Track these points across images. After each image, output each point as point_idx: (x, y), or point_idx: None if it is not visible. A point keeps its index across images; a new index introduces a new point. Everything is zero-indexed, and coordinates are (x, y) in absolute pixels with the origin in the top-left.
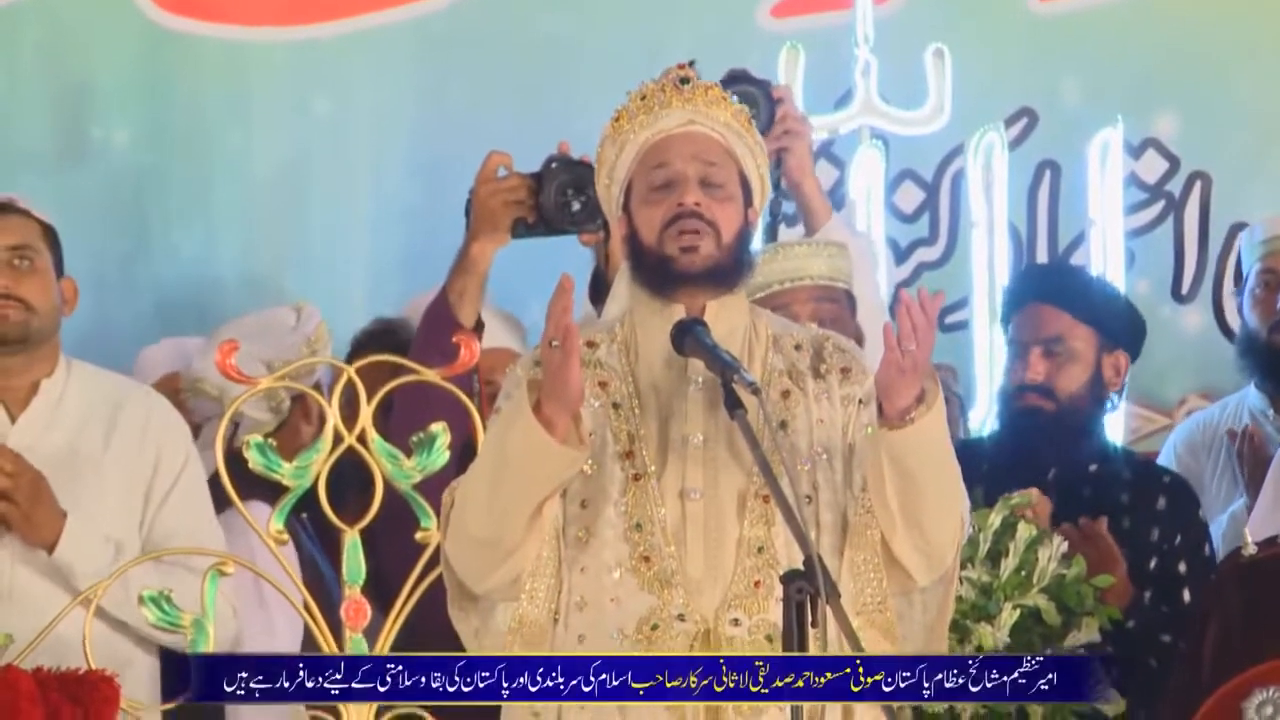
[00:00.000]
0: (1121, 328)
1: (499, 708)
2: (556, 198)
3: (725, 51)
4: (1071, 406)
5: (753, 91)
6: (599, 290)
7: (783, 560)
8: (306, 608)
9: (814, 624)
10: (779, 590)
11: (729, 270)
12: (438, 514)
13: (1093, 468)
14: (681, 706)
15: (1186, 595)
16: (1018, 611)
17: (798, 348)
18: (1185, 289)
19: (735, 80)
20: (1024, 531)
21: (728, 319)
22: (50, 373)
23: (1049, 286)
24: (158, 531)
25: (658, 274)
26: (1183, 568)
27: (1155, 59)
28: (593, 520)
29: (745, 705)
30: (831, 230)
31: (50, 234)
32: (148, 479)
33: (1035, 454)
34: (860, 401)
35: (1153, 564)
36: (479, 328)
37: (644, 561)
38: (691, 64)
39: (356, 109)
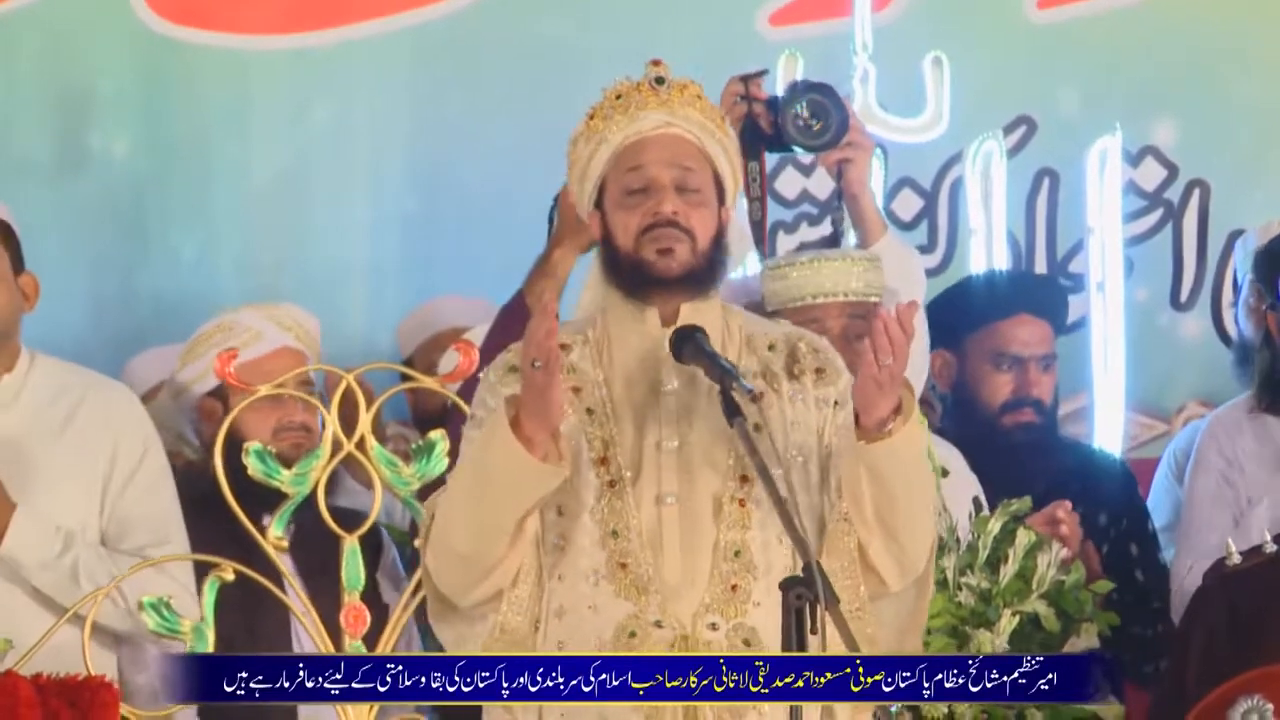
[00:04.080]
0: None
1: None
2: None
3: (724, 59)
4: (1053, 415)
5: (823, 102)
6: None
7: (759, 564)
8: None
9: (813, 630)
10: (756, 594)
11: (704, 275)
12: None
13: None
14: (660, 706)
15: (1139, 576)
16: (1017, 618)
17: (771, 347)
18: (1184, 297)
19: (806, 89)
20: (1023, 538)
21: (700, 320)
22: (10, 368)
23: (1036, 297)
24: (117, 519)
25: (633, 277)
26: (1134, 550)
27: (1153, 67)
28: (569, 527)
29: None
30: (886, 247)
31: (6, 231)
32: (106, 469)
33: (1036, 467)
34: (835, 403)
35: (1105, 549)
36: None
37: (620, 568)
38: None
39: (355, 116)
